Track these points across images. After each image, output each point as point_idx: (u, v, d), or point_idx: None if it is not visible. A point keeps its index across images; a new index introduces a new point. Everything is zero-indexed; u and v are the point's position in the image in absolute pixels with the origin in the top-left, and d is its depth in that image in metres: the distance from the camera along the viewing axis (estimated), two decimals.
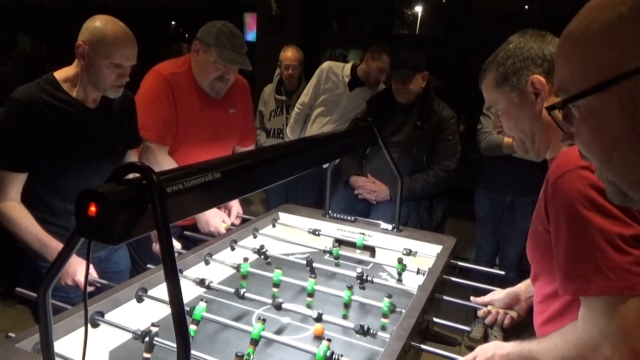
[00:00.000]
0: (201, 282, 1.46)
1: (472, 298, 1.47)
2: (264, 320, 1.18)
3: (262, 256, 1.69)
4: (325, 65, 3.23)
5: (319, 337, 1.23)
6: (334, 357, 1.08)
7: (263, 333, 1.17)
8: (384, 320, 1.35)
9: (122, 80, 1.67)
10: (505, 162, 2.71)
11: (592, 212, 0.90)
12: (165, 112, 2.02)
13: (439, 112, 2.62)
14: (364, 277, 1.53)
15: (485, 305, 1.42)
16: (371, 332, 1.22)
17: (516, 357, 1.04)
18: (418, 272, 1.63)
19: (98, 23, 1.60)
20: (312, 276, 1.46)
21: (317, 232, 1.96)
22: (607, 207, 0.90)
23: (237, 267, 1.60)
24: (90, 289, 1.58)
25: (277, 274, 1.52)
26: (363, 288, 1.53)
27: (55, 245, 1.58)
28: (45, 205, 1.69)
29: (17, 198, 1.61)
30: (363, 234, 1.90)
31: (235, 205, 2.24)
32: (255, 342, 1.16)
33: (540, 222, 1.05)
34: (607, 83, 0.52)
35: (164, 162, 1.98)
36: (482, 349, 1.13)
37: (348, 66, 3.20)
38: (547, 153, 1.10)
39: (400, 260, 1.68)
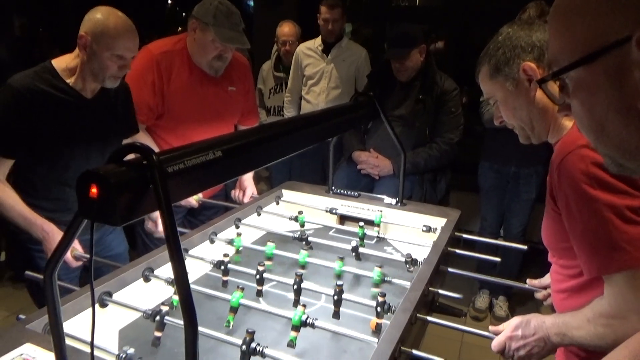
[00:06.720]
0: (218, 265, 1.46)
1: (528, 281, 1.42)
2: (242, 289, 1.24)
3: (304, 242, 1.70)
4: (298, 49, 3.38)
5: (376, 331, 1.25)
6: (307, 321, 1.12)
7: (242, 301, 1.23)
8: (374, 289, 1.37)
9: (123, 71, 1.68)
10: (508, 133, 2.67)
11: (598, 189, 0.91)
12: (145, 90, 2.00)
13: (441, 85, 2.59)
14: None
15: (545, 288, 1.38)
16: (392, 309, 1.23)
17: (552, 326, 1.05)
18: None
19: (100, 15, 1.60)
20: (304, 248, 1.49)
21: (333, 211, 1.96)
22: (611, 182, 0.91)
23: (231, 242, 1.61)
24: (78, 263, 1.61)
25: (270, 248, 1.54)
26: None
27: (40, 223, 1.60)
28: (42, 192, 1.70)
29: (2, 179, 1.63)
30: (381, 211, 1.90)
31: (250, 186, 2.23)
32: (234, 309, 1.22)
33: (548, 203, 1.08)
34: (593, 55, 0.51)
35: (139, 138, 1.99)
36: (518, 317, 1.14)
37: (319, 38, 3.33)
38: (549, 137, 1.11)
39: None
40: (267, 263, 1.53)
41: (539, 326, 1.07)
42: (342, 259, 1.45)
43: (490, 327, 1.18)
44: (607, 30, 0.49)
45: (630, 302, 0.90)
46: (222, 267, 1.45)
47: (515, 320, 1.13)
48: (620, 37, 0.48)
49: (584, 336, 0.99)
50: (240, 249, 1.63)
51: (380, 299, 1.24)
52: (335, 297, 1.28)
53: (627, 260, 0.89)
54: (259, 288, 1.40)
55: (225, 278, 1.46)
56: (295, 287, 1.33)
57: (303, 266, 1.48)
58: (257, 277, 1.39)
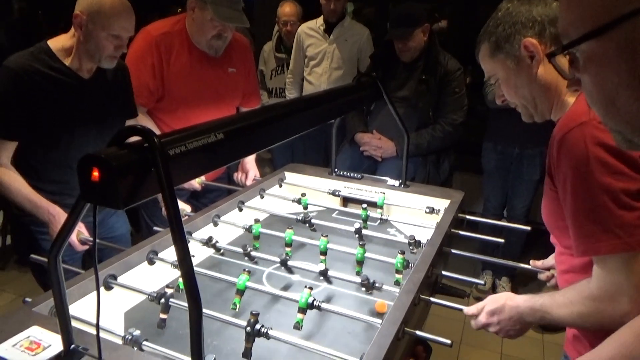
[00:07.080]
0: (207, 242, 1.48)
1: (531, 262, 1.42)
2: (249, 272, 1.25)
3: (308, 224, 1.70)
4: (300, 29, 3.33)
5: (380, 313, 1.25)
6: (314, 303, 1.14)
7: (248, 284, 1.23)
8: (397, 276, 1.36)
9: (119, 51, 1.66)
10: (512, 114, 2.64)
11: (595, 170, 0.89)
12: (145, 72, 1.98)
13: (445, 65, 2.56)
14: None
15: (548, 269, 1.37)
16: (376, 285, 1.25)
17: (527, 309, 1.07)
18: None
19: None
20: (324, 235, 1.48)
21: (336, 193, 1.97)
22: (611, 163, 0.88)
23: (249, 229, 1.61)
24: (84, 247, 1.62)
25: (289, 234, 1.53)
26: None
27: (46, 206, 1.61)
28: (43, 174, 1.70)
29: (7, 163, 1.62)
30: (384, 193, 1.90)
31: (252, 168, 2.23)
32: (240, 292, 1.23)
33: (546, 182, 1.06)
34: (604, 27, 0.49)
35: (141, 121, 1.98)
36: (493, 299, 1.15)
37: (320, 17, 3.28)
38: (552, 115, 1.09)
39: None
40: (287, 249, 1.52)
41: (513, 310, 1.09)
42: (362, 245, 1.44)
43: (465, 310, 1.20)
44: (619, 2, 0.48)
45: (619, 284, 0.90)
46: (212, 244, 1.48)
47: (489, 305, 1.14)
48: (633, 9, 0.47)
49: (565, 316, 1.00)
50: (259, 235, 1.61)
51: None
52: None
53: (616, 244, 0.88)
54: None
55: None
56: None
57: (324, 253, 1.47)
58: (246, 256, 1.42)
